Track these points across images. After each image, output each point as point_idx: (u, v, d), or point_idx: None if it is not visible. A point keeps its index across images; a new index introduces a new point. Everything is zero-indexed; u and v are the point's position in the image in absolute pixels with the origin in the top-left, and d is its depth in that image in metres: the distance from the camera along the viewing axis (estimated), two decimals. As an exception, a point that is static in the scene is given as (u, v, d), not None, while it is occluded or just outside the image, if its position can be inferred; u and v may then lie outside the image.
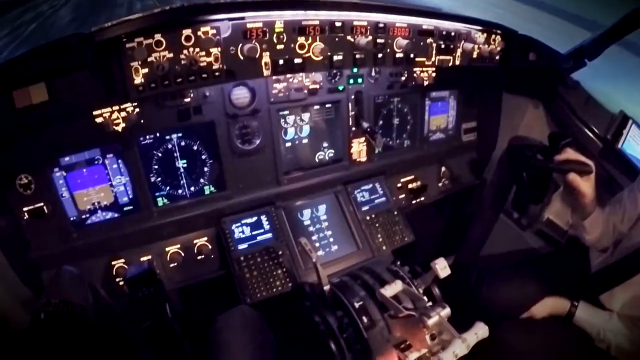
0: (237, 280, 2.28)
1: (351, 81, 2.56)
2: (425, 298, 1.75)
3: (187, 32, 1.71)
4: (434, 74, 2.81)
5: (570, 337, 2.11)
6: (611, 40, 2.89)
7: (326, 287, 1.90)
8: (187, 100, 2.12)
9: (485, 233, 3.24)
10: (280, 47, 1.95)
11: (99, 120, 1.95)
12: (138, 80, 1.69)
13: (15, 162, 1.90)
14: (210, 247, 2.39)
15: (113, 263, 2.20)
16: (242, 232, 2.39)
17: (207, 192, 2.37)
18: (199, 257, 2.37)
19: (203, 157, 2.31)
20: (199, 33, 1.74)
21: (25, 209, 1.96)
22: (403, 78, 2.76)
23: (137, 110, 2.02)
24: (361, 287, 1.89)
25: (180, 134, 2.22)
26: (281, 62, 1.97)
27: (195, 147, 2.28)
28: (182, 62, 1.74)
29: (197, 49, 1.75)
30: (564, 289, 2.23)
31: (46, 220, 2.02)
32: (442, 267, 1.76)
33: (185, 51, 1.74)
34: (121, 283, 2.19)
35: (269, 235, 2.42)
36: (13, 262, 1.93)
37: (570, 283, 2.23)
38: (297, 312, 2.05)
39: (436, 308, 1.51)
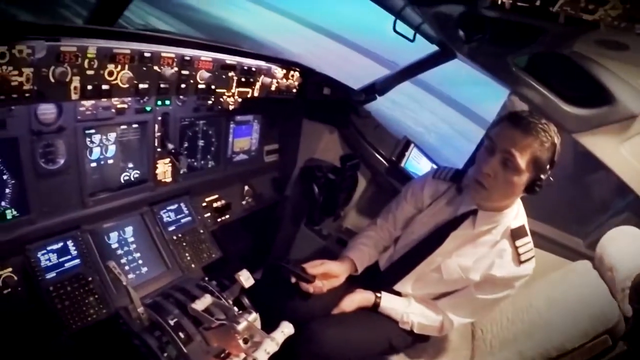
0: (49, 312, 2.10)
1: (159, 102, 2.58)
2: (235, 307, 1.87)
3: (2, 48, 1.61)
4: (239, 100, 2.95)
5: (378, 323, 2.43)
6: (401, 80, 3.47)
7: (140, 309, 1.90)
8: None
9: (289, 244, 3.46)
10: (90, 72, 1.93)
11: None
12: None
13: None
14: (16, 278, 2.12)
15: None
16: (49, 259, 2.19)
17: (9, 216, 2.11)
18: (5, 291, 2.07)
19: (4, 177, 2.06)
20: (14, 51, 1.65)
21: None
22: (210, 102, 2.86)
23: None
24: (174, 305, 1.94)
25: None
26: (90, 87, 1.95)
27: None
28: None
29: (11, 68, 1.66)
30: (365, 286, 2.52)
31: None
32: (245, 278, 1.91)
33: None
34: None
35: (77, 261, 2.27)
36: None
37: (368, 280, 2.55)
38: (116, 338, 2.01)
39: (244, 314, 1.65)
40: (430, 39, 3.03)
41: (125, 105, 2.41)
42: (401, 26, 2.79)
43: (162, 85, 2.25)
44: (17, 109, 1.97)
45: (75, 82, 1.91)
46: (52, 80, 1.82)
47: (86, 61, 1.90)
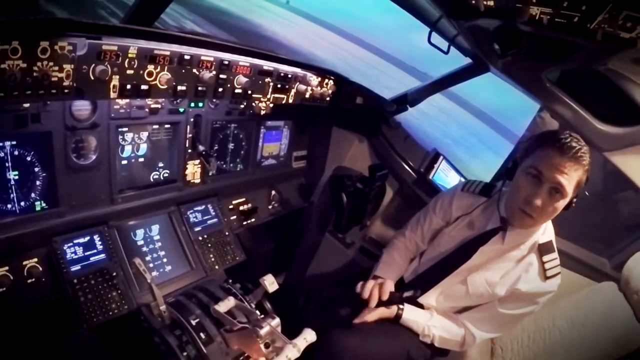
0: (71, 304, 2.13)
1: (192, 104, 2.61)
2: (257, 311, 1.87)
3: (44, 44, 1.64)
4: (271, 105, 2.95)
5: (398, 335, 2.39)
6: (433, 91, 3.46)
7: (162, 307, 1.91)
8: (26, 105, 1.95)
9: (312, 251, 3.45)
10: (130, 72, 1.96)
11: None
12: None
13: None
14: (41, 269, 2.16)
15: None
16: (75, 252, 2.24)
17: (38, 208, 2.16)
18: (29, 281, 2.12)
19: (36, 169, 2.11)
20: (56, 47, 1.68)
21: None
22: (242, 106, 2.89)
23: None
24: (196, 305, 1.94)
25: (14, 142, 2.01)
26: (128, 86, 1.97)
27: (29, 158, 2.08)
28: (34, 74, 1.65)
29: (51, 63, 1.69)
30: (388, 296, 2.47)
31: None
32: (270, 283, 1.90)
33: (39, 64, 1.65)
34: None
35: (103, 255, 2.31)
36: None
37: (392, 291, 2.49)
38: (136, 334, 2.02)
39: (267, 319, 1.65)
40: (464, 51, 3.01)
41: (159, 106, 2.45)
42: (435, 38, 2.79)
43: (199, 88, 2.27)
44: (52, 104, 2.03)
45: (115, 80, 1.93)
46: (92, 77, 1.84)
47: (126, 61, 1.93)
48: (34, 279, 2.13)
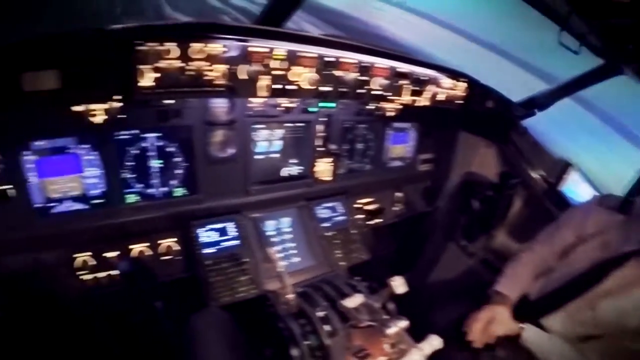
0: (203, 283, 2.33)
1: (324, 104, 2.69)
2: (384, 311, 1.88)
3: (199, 45, 1.82)
4: (399, 106, 2.97)
5: (515, 356, 2.26)
6: (562, 95, 3.23)
7: (290, 296, 1.96)
8: (169, 102, 2.15)
9: (435, 257, 3.40)
10: (278, 72, 2.09)
11: (77, 109, 1.90)
12: (145, 83, 1.77)
13: None
14: (176, 248, 2.42)
15: (75, 256, 2.17)
16: (209, 236, 2.45)
17: (178, 194, 2.41)
18: (163, 258, 2.39)
19: (178, 159, 2.35)
20: (209, 49, 1.85)
21: None
22: (371, 107, 2.92)
23: (119, 105, 2.00)
24: (323, 298, 1.98)
25: (158, 134, 2.26)
26: (276, 86, 2.10)
27: (171, 149, 2.32)
28: (189, 73, 1.84)
29: (205, 63, 1.86)
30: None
31: (9, 204, 1.95)
32: (399, 284, 1.88)
33: (193, 63, 1.84)
34: (83, 277, 2.18)
35: (236, 242, 2.49)
36: None
37: (514, 308, 2.36)
38: (261, 318, 2.11)
39: (395, 320, 1.64)
40: (596, 51, 2.79)
41: (293, 105, 2.55)
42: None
43: (341, 89, 2.35)
44: (192, 101, 2.23)
45: (264, 80, 2.07)
46: (243, 77, 2.00)
47: (275, 62, 2.06)
48: (170, 257, 2.40)
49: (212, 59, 1.86)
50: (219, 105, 2.35)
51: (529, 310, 2.33)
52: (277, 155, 2.69)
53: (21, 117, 1.85)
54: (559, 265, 2.36)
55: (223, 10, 13.08)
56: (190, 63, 1.85)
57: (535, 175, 3.28)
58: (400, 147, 3.46)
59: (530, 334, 2.26)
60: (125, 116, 2.05)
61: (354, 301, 1.86)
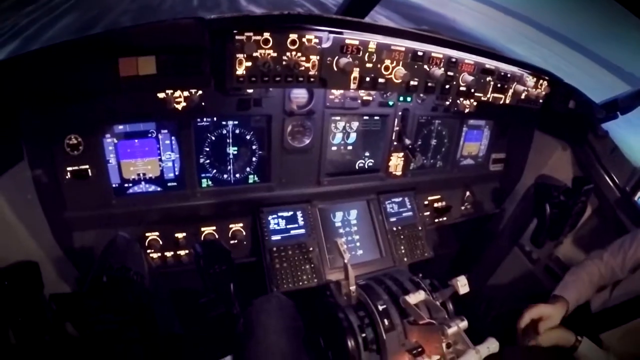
0: (267, 269, 2.40)
1: (401, 98, 2.67)
2: (444, 310, 1.87)
3: (293, 36, 1.84)
4: (475, 103, 2.92)
5: None
6: None
7: (352, 288, 1.99)
8: (250, 91, 2.20)
9: (498, 261, 3.33)
10: (369, 65, 2.08)
11: (161, 95, 2.02)
12: (240, 71, 1.81)
13: (67, 121, 1.96)
14: (244, 233, 2.50)
15: (147, 235, 2.29)
16: (277, 224, 2.50)
17: (250, 180, 2.47)
18: (231, 242, 2.47)
19: (254, 147, 2.41)
20: (304, 39, 1.87)
21: (69, 168, 2.03)
22: (447, 103, 2.88)
23: (200, 92, 2.09)
24: (385, 292, 1.99)
25: (236, 122, 2.32)
26: (367, 79, 2.09)
27: (248, 137, 2.38)
28: (284, 62, 1.87)
29: (299, 54, 1.88)
30: (567, 324, 2.26)
31: (88, 183, 2.08)
32: (462, 284, 1.86)
33: (288, 53, 1.86)
34: (153, 255, 2.31)
35: (302, 230, 2.54)
36: (50, 219, 1.98)
37: (572, 319, 2.28)
38: (321, 306, 2.17)
39: (456, 319, 1.64)
40: None
41: (370, 98, 2.55)
42: None
43: (429, 84, 2.31)
44: (273, 91, 2.27)
45: (355, 72, 2.07)
46: (336, 69, 2.00)
47: (367, 54, 2.05)
48: (236, 241, 2.48)
49: (307, 49, 1.88)
50: (299, 95, 2.38)
51: (587, 322, 2.26)
52: (350, 147, 2.69)
53: (109, 101, 1.96)
54: (626, 281, 2.26)
55: (297, 3, 13.10)
56: (286, 53, 1.87)
57: (610, 182, 3.14)
58: (474, 145, 3.40)
59: (586, 349, 2.18)
60: (204, 104, 2.13)
61: (416, 297, 1.87)
